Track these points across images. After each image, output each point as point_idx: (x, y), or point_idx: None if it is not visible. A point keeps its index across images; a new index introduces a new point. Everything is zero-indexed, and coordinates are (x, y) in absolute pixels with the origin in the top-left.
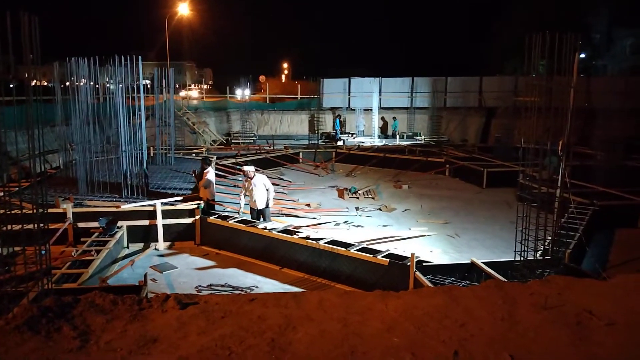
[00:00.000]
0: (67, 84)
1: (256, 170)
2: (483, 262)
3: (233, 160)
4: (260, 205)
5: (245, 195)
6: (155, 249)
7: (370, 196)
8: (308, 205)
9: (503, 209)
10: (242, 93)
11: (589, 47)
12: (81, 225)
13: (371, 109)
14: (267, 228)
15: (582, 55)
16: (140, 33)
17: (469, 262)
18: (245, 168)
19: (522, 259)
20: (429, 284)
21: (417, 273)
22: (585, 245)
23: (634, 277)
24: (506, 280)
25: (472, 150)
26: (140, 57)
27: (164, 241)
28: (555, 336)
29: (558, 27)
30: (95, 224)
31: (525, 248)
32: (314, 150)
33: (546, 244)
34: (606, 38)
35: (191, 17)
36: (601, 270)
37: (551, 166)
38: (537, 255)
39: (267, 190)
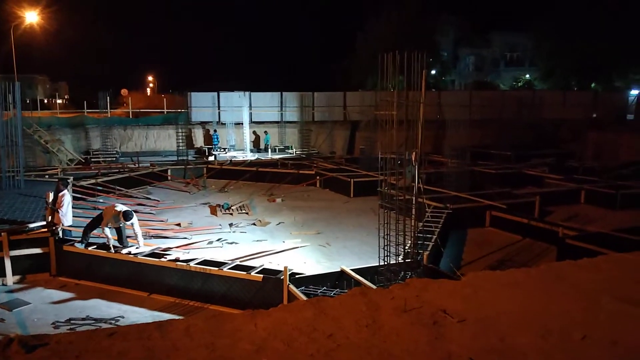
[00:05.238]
0: None
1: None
2: (352, 269)
3: (93, 181)
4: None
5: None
6: (3, 284)
7: (244, 211)
8: (178, 224)
9: (369, 216)
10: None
11: (438, 64)
12: None
13: (242, 123)
14: (132, 253)
15: (433, 72)
16: None
17: (339, 270)
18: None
19: (385, 263)
20: (302, 296)
21: (291, 286)
22: (441, 246)
23: (482, 274)
24: (372, 286)
25: (340, 162)
26: None
27: (13, 275)
28: (414, 337)
29: (412, 45)
30: None
31: (388, 253)
32: (183, 166)
33: (406, 248)
34: (452, 56)
35: (43, 28)
36: (455, 269)
37: (409, 174)
38: (399, 259)
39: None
